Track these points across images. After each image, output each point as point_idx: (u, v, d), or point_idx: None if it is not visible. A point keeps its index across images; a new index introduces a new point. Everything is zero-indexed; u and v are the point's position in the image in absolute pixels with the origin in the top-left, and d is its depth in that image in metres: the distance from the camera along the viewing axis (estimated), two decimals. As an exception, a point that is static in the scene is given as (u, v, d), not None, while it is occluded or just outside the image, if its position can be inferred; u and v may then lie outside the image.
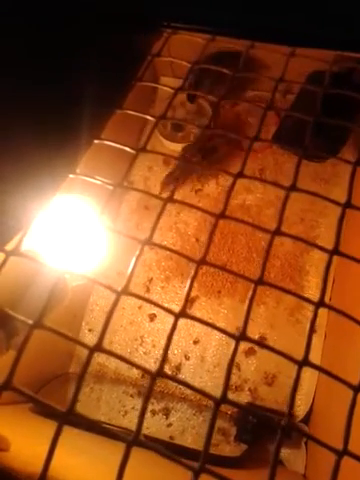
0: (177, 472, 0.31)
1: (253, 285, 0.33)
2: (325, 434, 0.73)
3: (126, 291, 0.31)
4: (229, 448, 0.85)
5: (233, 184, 0.37)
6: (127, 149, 0.38)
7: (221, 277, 0.95)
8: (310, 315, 0.91)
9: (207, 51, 0.49)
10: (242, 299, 0.93)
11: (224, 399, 0.29)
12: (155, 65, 1.09)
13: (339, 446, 0.29)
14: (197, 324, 0.92)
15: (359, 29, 0.41)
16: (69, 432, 0.28)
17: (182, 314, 0.31)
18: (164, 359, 0.29)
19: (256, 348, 0.89)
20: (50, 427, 0.27)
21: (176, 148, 1.04)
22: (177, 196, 1.05)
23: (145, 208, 1.01)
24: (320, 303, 0.32)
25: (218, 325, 0.29)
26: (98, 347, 0.29)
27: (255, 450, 0.80)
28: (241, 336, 0.31)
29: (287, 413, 0.29)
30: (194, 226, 0.99)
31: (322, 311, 0.95)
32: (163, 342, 0.92)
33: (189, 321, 0.97)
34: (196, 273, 0.32)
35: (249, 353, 0.89)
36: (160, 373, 0.28)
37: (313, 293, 0.91)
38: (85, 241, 0.64)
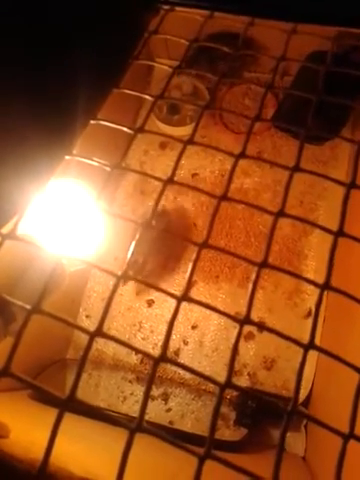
0: (180, 458, 0.30)
1: (256, 268, 0.32)
2: (325, 418, 0.73)
3: (126, 275, 0.30)
4: (229, 432, 0.85)
5: (234, 165, 0.36)
6: (125, 129, 0.37)
7: (219, 262, 0.95)
8: (308, 299, 0.91)
9: (205, 31, 0.48)
10: (240, 284, 0.93)
11: (229, 384, 0.28)
12: (150, 46, 1.07)
13: (341, 429, 0.28)
14: (195, 309, 0.92)
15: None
16: (70, 418, 0.27)
17: (184, 298, 0.30)
18: (167, 343, 0.28)
19: (255, 332, 0.89)
20: (50, 414, 0.27)
21: (172, 132, 1.02)
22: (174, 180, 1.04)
23: (141, 193, 1.00)
24: (325, 285, 0.31)
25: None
26: (98, 332, 0.28)
27: (255, 434, 0.81)
28: (245, 320, 0.30)
29: (293, 398, 0.28)
30: (191, 211, 0.98)
31: (321, 294, 0.93)
32: (161, 327, 0.92)
33: (187, 306, 0.96)
34: (198, 257, 0.31)
35: (248, 337, 0.89)
36: (163, 358, 0.28)
37: (312, 277, 0.90)
38: (82, 226, 0.63)
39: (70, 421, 0.28)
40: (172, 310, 0.97)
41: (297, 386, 0.29)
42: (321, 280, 0.89)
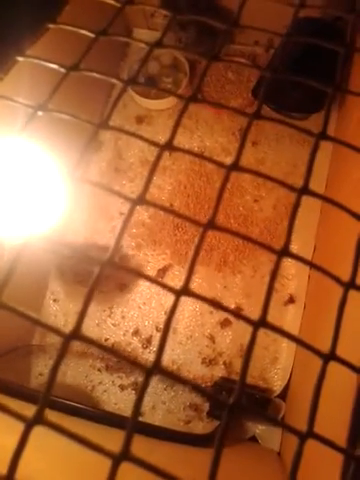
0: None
1: (201, 229, 0.27)
2: (302, 410, 0.68)
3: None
4: (202, 424, 0.80)
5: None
6: (56, 66, 0.31)
7: (196, 244, 0.89)
8: (288, 284, 0.85)
9: None
10: (217, 268, 0.87)
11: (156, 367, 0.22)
12: (127, 16, 1.00)
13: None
14: (169, 294, 0.86)
15: None
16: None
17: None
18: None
19: (232, 319, 0.84)
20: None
21: (149, 105, 0.96)
22: (150, 158, 0.98)
23: (115, 170, 0.94)
24: (282, 252, 0.26)
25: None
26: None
27: (228, 426, 0.75)
28: (182, 291, 0.25)
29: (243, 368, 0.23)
30: (168, 191, 0.93)
31: (302, 282, 0.87)
32: (133, 313, 0.86)
33: (161, 291, 0.90)
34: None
35: (225, 325, 0.84)
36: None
37: (293, 262, 0.85)
38: (41, 195, 0.57)
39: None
40: (145, 294, 0.89)
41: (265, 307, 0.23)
42: (303, 265, 0.83)
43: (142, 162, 0.94)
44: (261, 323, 0.24)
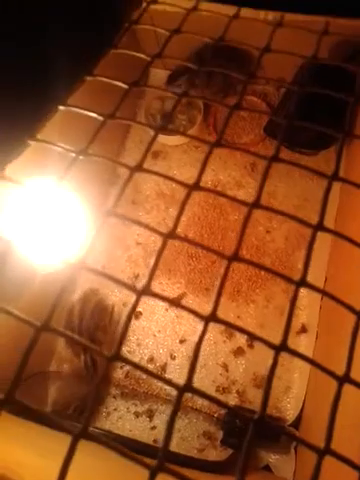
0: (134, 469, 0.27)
1: (226, 262, 0.29)
2: (315, 439, 0.69)
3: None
4: (215, 453, 0.81)
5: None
6: (93, 114, 0.34)
7: (210, 274, 0.92)
8: (301, 314, 0.87)
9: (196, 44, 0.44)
10: (231, 297, 0.90)
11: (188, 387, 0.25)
12: (145, 54, 1.06)
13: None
14: (184, 322, 0.89)
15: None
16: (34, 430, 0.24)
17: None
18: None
19: (245, 348, 0.85)
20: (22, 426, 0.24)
21: (166, 141, 1.01)
22: (166, 190, 1.01)
23: (132, 203, 0.98)
24: (301, 282, 0.28)
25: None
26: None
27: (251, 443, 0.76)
28: (210, 317, 0.27)
29: (262, 404, 0.25)
30: (183, 222, 0.96)
31: (314, 312, 0.89)
32: (148, 341, 0.88)
33: (175, 319, 0.92)
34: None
35: (238, 353, 0.85)
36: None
37: (305, 292, 0.87)
38: (65, 229, 0.60)
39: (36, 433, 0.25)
40: (160, 322, 0.93)
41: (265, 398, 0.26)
42: (315, 295, 0.86)
43: (158, 194, 0.98)
44: (282, 347, 0.27)
